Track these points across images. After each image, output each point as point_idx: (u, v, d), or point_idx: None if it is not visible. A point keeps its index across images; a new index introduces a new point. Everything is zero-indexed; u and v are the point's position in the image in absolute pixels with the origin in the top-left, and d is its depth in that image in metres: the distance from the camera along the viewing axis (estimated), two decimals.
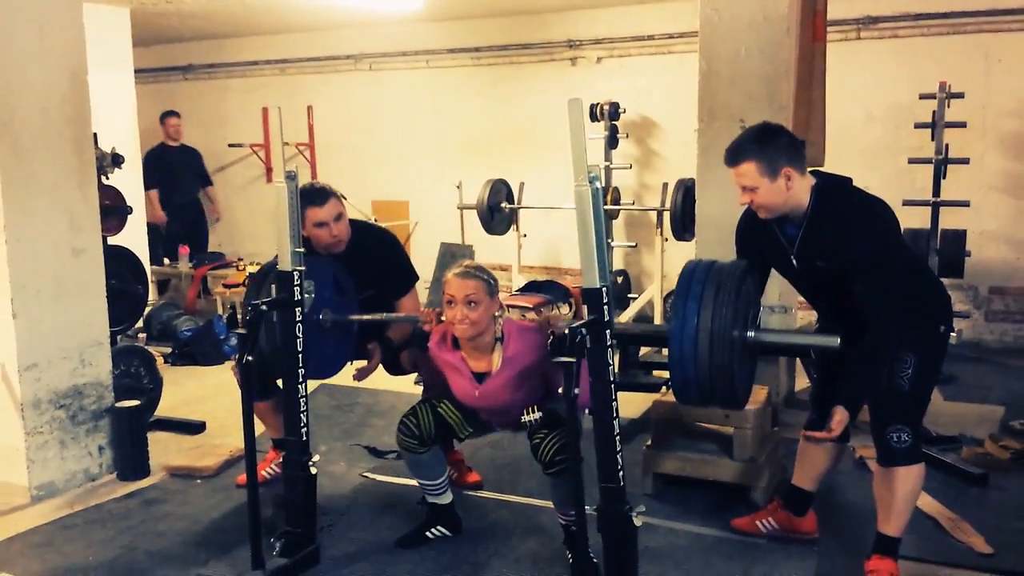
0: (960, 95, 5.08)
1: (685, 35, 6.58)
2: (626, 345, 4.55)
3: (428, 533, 3.24)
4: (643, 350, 4.77)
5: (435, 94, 7.91)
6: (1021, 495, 3.56)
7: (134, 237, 5.71)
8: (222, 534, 3.36)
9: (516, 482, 3.78)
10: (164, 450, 4.15)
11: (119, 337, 5.05)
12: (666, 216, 6.07)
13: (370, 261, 3.55)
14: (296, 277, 2.94)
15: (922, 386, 2.75)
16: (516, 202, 6.74)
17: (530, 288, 3.38)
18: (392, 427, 4.47)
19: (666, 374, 4.56)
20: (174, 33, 8.23)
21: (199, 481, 3.87)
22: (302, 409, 3.02)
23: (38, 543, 3.33)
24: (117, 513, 3.58)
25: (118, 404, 3.96)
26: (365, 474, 3.94)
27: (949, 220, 5.12)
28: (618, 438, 2.42)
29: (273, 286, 3.02)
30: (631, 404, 4.34)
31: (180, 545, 3.28)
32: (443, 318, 2.99)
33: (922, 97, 5.19)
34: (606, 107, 6.61)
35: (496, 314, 2.94)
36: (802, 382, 4.75)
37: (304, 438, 3.04)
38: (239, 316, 6.31)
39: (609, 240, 6.68)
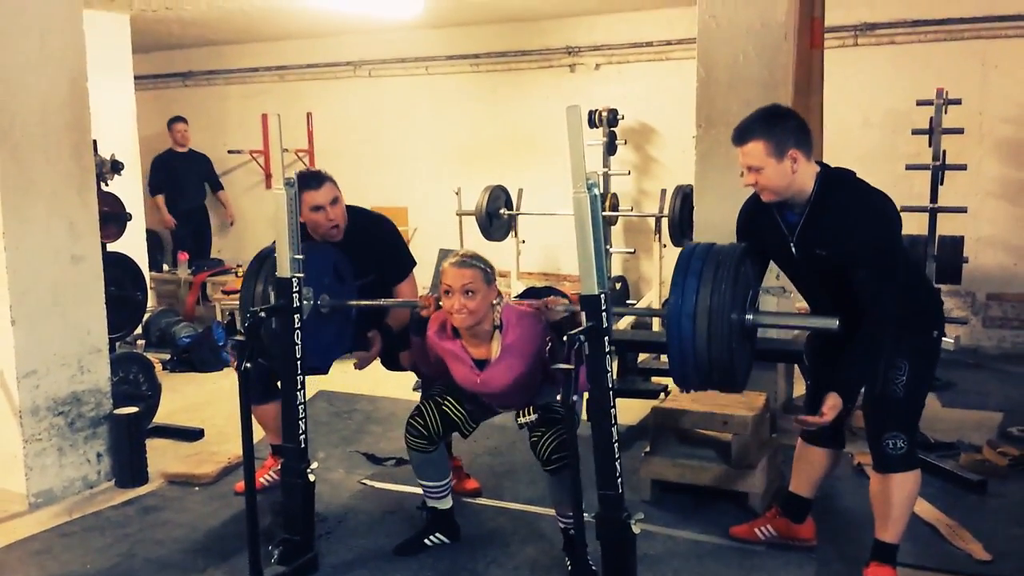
0: (957, 101, 5.09)
1: (683, 42, 6.58)
2: (624, 351, 4.56)
3: (427, 540, 3.23)
4: (641, 356, 4.78)
5: (434, 101, 7.92)
6: (1019, 502, 3.56)
7: (133, 244, 5.73)
8: (220, 542, 3.35)
9: (515, 489, 3.77)
10: (162, 457, 4.14)
11: (118, 344, 5.06)
12: (664, 222, 6.10)
13: (368, 247, 3.52)
14: (295, 283, 2.94)
15: (917, 392, 2.75)
16: (515, 208, 6.76)
17: (528, 294, 3.38)
18: (391, 434, 4.50)
19: (665, 380, 4.60)
20: (174, 40, 8.24)
21: (197, 488, 3.87)
22: (300, 416, 3.01)
23: (36, 551, 3.32)
24: (115, 520, 3.58)
25: (116, 411, 3.95)
26: (364, 481, 3.94)
27: (947, 226, 5.13)
28: (616, 445, 2.43)
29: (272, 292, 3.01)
30: (629, 411, 4.34)
31: (178, 553, 3.27)
32: (441, 304, 2.98)
33: (919, 103, 5.19)
34: (604, 114, 6.62)
35: (494, 302, 2.94)
36: (800, 389, 4.75)
37: (302, 445, 3.03)
38: (238, 322, 6.30)
39: (607, 246, 6.67)
